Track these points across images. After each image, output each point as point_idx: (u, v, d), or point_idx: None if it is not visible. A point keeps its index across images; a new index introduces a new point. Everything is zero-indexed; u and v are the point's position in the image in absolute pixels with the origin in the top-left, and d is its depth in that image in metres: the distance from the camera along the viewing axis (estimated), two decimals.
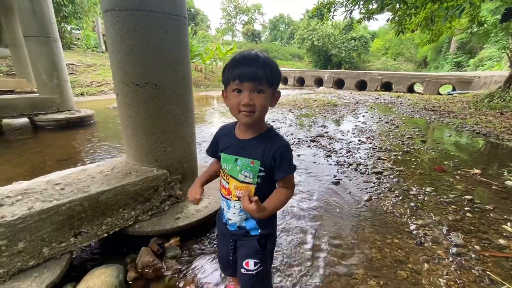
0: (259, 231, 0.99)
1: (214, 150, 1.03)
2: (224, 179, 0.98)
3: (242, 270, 0.98)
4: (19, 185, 1.58)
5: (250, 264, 0.97)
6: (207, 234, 1.81)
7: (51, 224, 1.33)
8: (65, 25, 13.46)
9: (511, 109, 6.90)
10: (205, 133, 4.72)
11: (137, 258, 1.49)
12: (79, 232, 1.44)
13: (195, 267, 1.52)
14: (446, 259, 1.61)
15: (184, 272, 1.48)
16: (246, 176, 0.91)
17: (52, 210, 1.32)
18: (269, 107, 0.88)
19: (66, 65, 5.34)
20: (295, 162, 0.95)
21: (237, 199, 0.95)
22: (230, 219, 0.99)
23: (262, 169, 0.90)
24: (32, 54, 4.76)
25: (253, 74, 0.79)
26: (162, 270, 1.45)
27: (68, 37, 14.26)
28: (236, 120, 0.93)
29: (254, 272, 0.97)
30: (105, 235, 1.55)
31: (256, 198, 0.84)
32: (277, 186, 0.97)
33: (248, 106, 0.81)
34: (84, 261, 1.57)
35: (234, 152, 0.92)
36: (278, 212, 2.04)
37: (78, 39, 15.65)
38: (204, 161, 3.23)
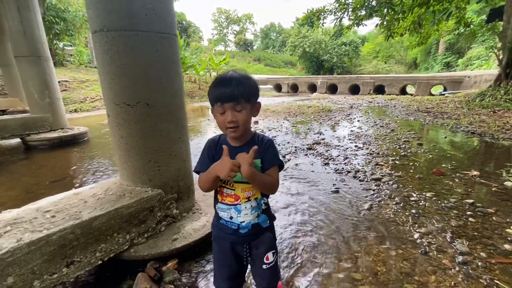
0: (268, 222, 1.10)
1: (210, 164, 0.98)
2: (227, 188, 1.03)
3: (264, 266, 1.07)
4: (8, 214, 1.52)
5: (270, 257, 1.08)
6: (207, 254, 1.75)
7: (42, 255, 1.26)
8: (57, 42, 13.48)
9: (503, 107, 6.98)
10: (201, 146, 4.66)
11: (134, 285, 1.43)
12: (72, 261, 1.38)
13: None
14: (453, 269, 1.56)
15: None
16: None
17: (42, 241, 1.26)
18: (252, 117, 0.99)
19: (59, 82, 5.31)
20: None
21: (246, 199, 1.02)
22: (243, 221, 1.03)
23: (262, 165, 0.99)
24: (23, 74, 4.71)
25: (230, 95, 0.90)
26: None
27: (60, 54, 14.24)
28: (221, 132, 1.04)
29: (273, 263, 1.09)
30: (100, 262, 1.49)
31: (255, 147, 0.91)
32: None
33: (232, 123, 0.92)
34: None
35: (234, 158, 0.94)
36: (279, 222, 1.99)
37: (71, 55, 15.63)
38: None
